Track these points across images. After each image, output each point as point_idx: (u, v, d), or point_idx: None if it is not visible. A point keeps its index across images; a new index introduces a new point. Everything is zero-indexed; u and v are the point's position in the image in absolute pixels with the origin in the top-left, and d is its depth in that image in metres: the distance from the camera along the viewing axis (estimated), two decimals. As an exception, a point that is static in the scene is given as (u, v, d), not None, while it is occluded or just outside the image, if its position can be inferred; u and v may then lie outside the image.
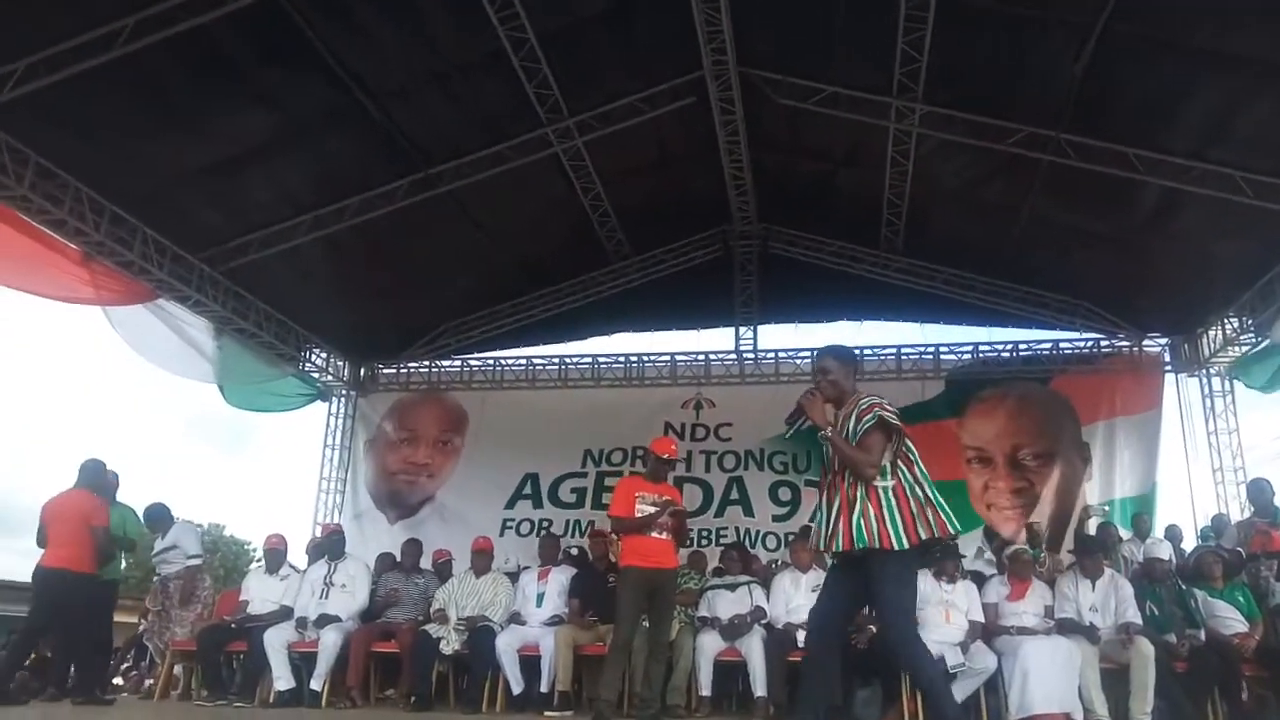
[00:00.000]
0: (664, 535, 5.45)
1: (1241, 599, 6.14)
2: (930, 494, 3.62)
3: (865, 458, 3.61)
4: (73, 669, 6.70)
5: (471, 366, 12.06)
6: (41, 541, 6.47)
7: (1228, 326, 9.78)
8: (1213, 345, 10.08)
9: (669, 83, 8.52)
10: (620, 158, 9.37)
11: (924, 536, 3.54)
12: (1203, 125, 7.25)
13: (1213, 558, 6.39)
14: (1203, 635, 5.96)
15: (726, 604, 6.39)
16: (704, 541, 9.79)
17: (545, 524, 10.56)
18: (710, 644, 6.11)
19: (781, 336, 11.68)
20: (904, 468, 3.66)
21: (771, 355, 11.51)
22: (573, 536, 10.26)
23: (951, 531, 3.69)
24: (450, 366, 12.12)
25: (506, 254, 10.72)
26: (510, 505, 11.10)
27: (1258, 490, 7.42)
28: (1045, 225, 9.32)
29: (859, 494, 3.60)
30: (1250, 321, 9.34)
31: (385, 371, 12.25)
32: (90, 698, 6.38)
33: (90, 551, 6.47)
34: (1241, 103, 6.90)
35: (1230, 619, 6.05)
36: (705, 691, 6.05)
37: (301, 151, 8.27)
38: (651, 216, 10.57)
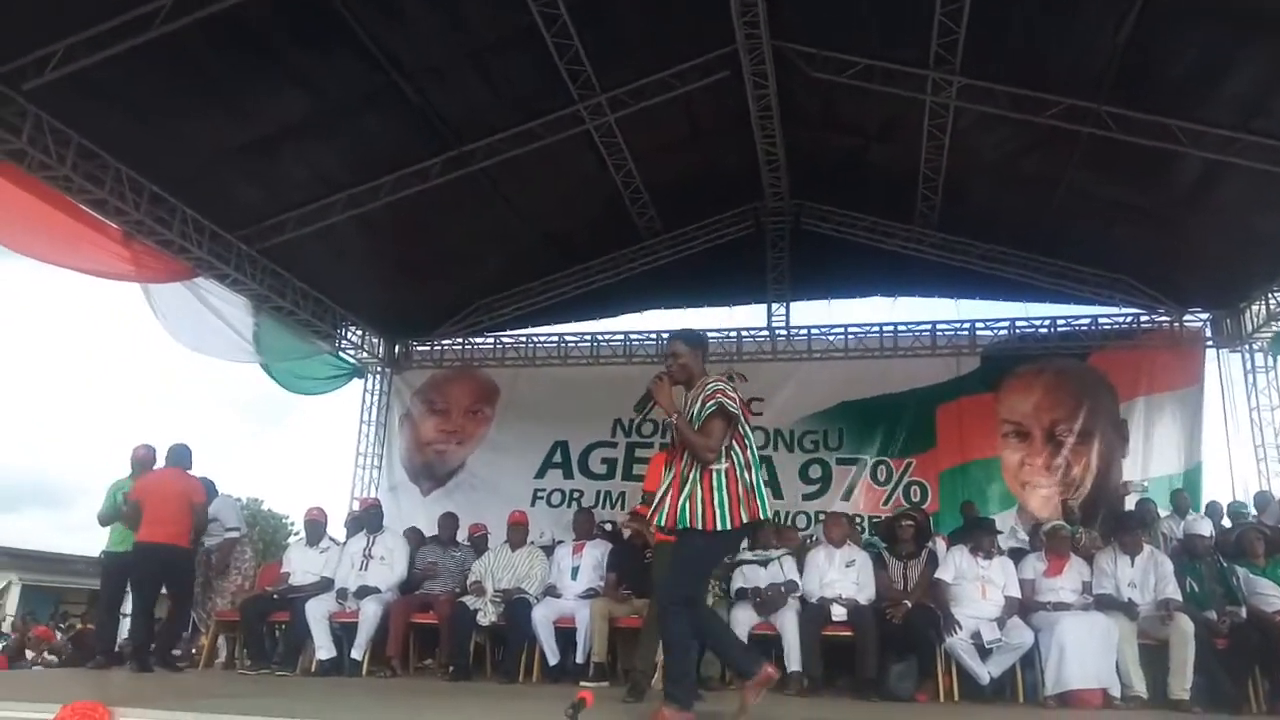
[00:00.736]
0: None
1: (1285, 576, 6.06)
2: (755, 480, 3.81)
3: (704, 442, 3.76)
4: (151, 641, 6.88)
5: (504, 344, 12.15)
6: (132, 520, 6.64)
7: (1271, 301, 9.60)
8: (1256, 320, 9.90)
9: (702, 57, 8.46)
10: (652, 134, 9.34)
11: (746, 519, 3.74)
12: (1248, 95, 7.08)
13: (1255, 534, 6.31)
14: (1244, 612, 5.90)
15: (760, 578, 6.41)
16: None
17: (576, 495, 10.67)
18: (744, 617, 6.14)
19: (814, 313, 11.62)
20: (737, 450, 3.82)
21: (804, 331, 11.47)
22: (603, 508, 10.37)
23: (762, 516, 3.88)
24: (483, 344, 12.21)
25: (538, 231, 10.75)
26: (540, 474, 11.22)
27: (1301, 467, 7.31)
28: (1084, 199, 9.17)
29: (694, 475, 3.77)
30: (1294, 295, 9.16)
31: (419, 349, 12.36)
32: (169, 666, 6.66)
33: (188, 528, 6.72)
34: (1287, 69, 6.72)
35: (1272, 596, 5.96)
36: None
37: (337, 131, 8.33)
38: (683, 193, 10.53)
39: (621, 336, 11.88)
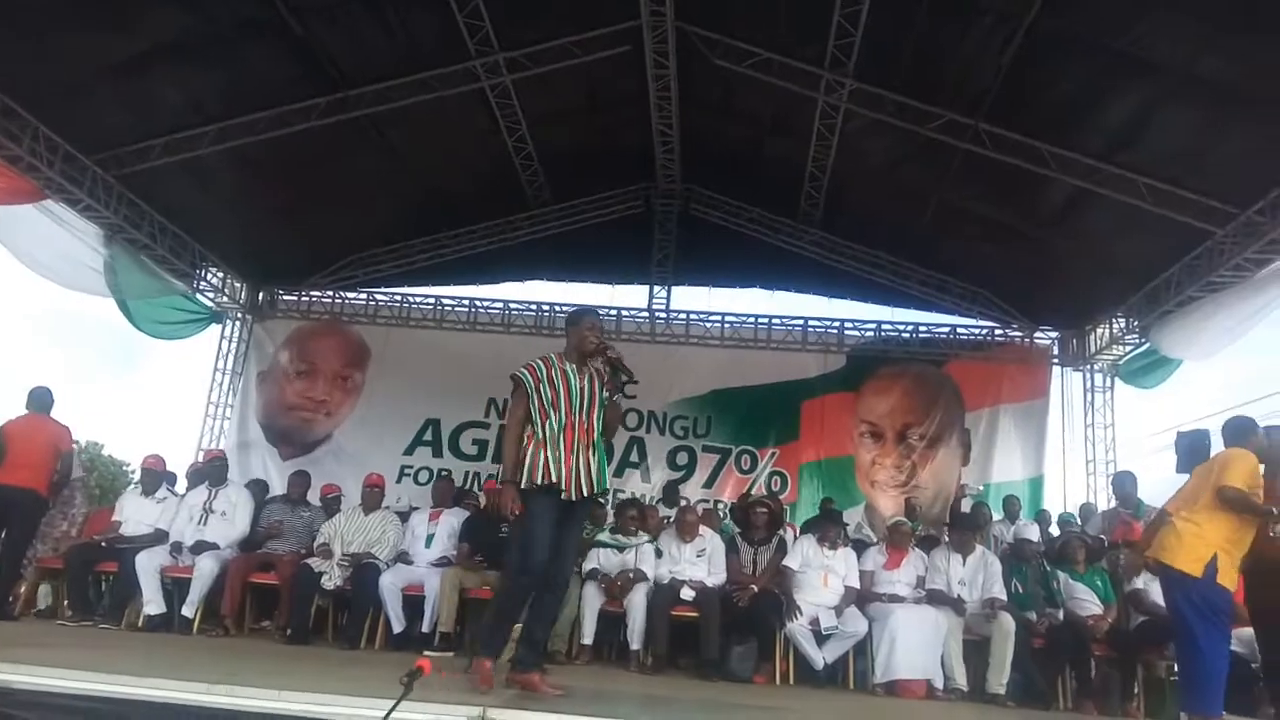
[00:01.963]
0: None
1: (1100, 583, 6.50)
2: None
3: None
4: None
5: (378, 301, 11.76)
6: None
7: (1115, 325, 10.30)
8: (1099, 342, 10.62)
9: (605, 29, 8.35)
10: (549, 100, 9.20)
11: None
12: (1115, 128, 7.54)
13: (1078, 542, 6.74)
14: (1061, 614, 6.31)
15: (611, 563, 6.41)
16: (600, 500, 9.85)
17: (444, 474, 10.44)
18: (595, 595, 6.15)
19: (695, 299, 11.73)
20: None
21: (683, 316, 11.57)
22: (472, 489, 10.19)
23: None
24: (355, 299, 11.79)
25: (423, 188, 10.42)
26: (409, 451, 10.92)
27: (1120, 484, 7.87)
28: (956, 213, 9.59)
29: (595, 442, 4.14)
30: (1135, 323, 9.84)
31: (285, 298, 11.82)
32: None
33: (48, 474, 6.51)
34: (1154, 110, 7.19)
35: (1087, 601, 6.40)
36: (587, 640, 6.11)
37: (216, 58, 7.82)
38: (576, 165, 10.43)
39: (501, 305, 11.69)
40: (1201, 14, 6.09)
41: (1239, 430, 4.72)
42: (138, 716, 3.36)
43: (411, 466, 10.82)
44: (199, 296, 10.98)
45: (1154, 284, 9.16)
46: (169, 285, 10.27)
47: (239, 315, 11.61)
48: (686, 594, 6.19)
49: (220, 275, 11.19)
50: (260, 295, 11.72)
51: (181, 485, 7.73)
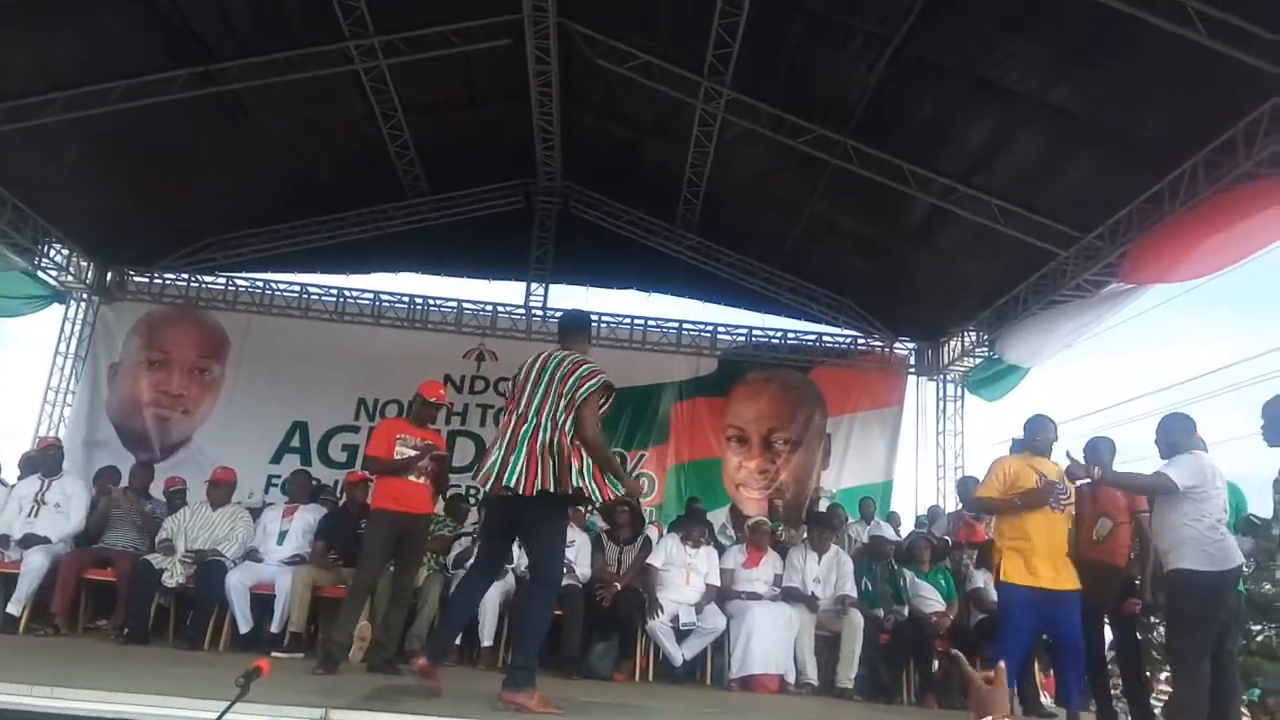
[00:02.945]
0: (423, 480, 5.31)
1: (943, 581, 6.86)
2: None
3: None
4: None
5: (237, 286, 11.20)
6: None
7: (966, 339, 10.88)
8: (951, 354, 11.20)
9: (486, 19, 8.24)
10: (427, 89, 9.01)
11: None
12: (971, 151, 7.94)
13: (924, 543, 7.10)
14: (906, 611, 6.62)
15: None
16: (473, 496, 9.67)
17: (300, 470, 9.98)
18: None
19: (572, 298, 11.71)
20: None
21: (559, 314, 11.49)
22: (343, 497, 9.75)
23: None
24: (213, 283, 11.19)
25: (290, 170, 9.97)
26: (276, 459, 10.35)
27: (965, 487, 8.32)
28: (825, 225, 9.93)
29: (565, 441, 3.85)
30: (985, 337, 10.43)
31: (136, 279, 11.12)
32: None
33: None
34: (1007, 135, 7.61)
35: (931, 599, 6.74)
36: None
37: (67, 21, 7.28)
38: (454, 156, 10.23)
39: (371, 295, 11.35)
40: (1052, 44, 6.49)
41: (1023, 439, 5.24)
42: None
43: (280, 475, 10.06)
44: (40, 275, 10.19)
45: (1003, 300, 9.72)
46: (8, 262, 9.51)
47: (84, 296, 10.85)
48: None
49: (65, 253, 10.44)
50: (109, 276, 10.98)
51: (11, 475, 7.16)
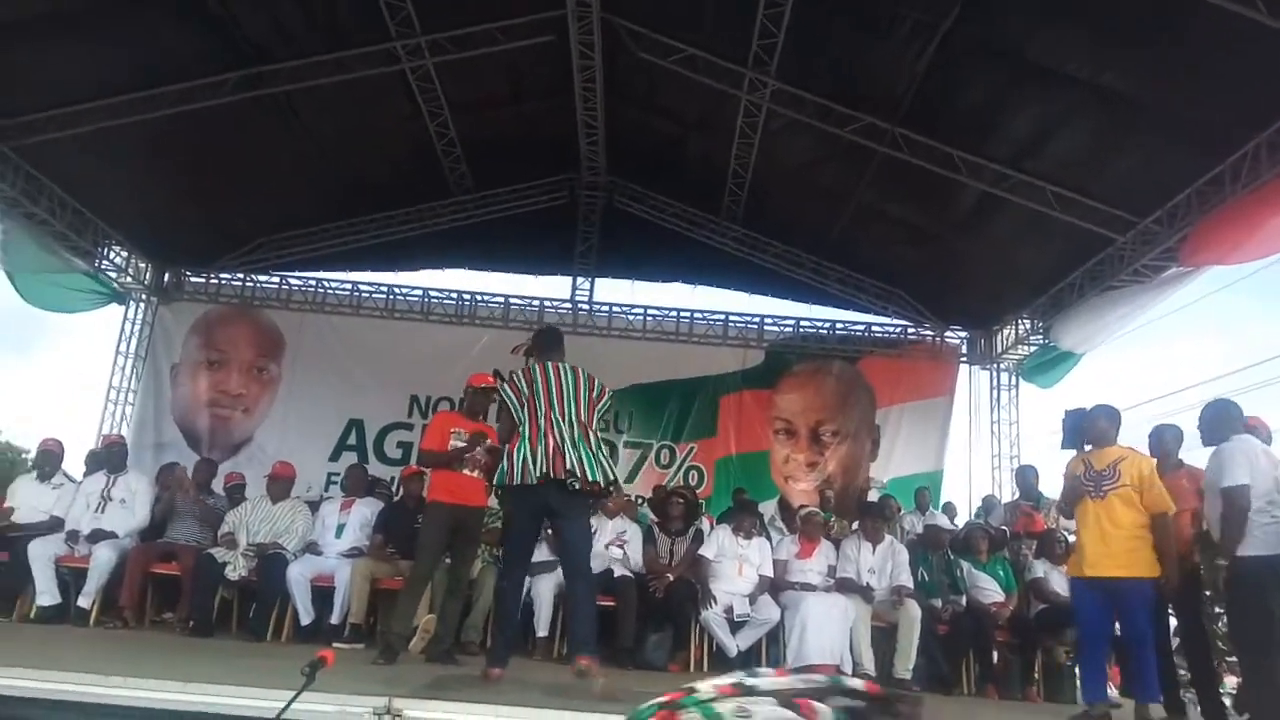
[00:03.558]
0: (475, 473, 5.36)
1: (1001, 572, 6.78)
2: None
3: None
4: None
5: (291, 285, 11.40)
6: None
7: (1020, 327, 10.69)
8: (1005, 343, 11.01)
9: (529, 16, 8.28)
10: (472, 86, 9.07)
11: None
12: (1023, 136, 7.79)
13: (981, 533, 7.02)
14: (964, 602, 6.55)
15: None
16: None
17: (357, 464, 10.10)
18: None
19: (617, 292, 11.75)
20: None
21: (605, 308, 11.56)
22: (399, 491, 9.88)
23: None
24: (267, 283, 11.40)
25: (339, 170, 10.11)
26: (334, 457, 10.50)
27: (1023, 476, 8.20)
28: (872, 214, 9.81)
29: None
30: (1040, 324, 10.24)
31: (193, 280, 11.37)
32: None
33: None
34: (1061, 120, 7.46)
35: (989, 589, 6.67)
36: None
37: (121, 26, 7.44)
38: (499, 153, 10.29)
39: (420, 292, 11.48)
40: (1104, 26, 6.35)
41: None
42: (32, 711, 3.22)
43: (338, 474, 10.07)
44: (101, 276, 10.47)
45: (1057, 288, 9.53)
46: (69, 264, 9.79)
47: (143, 297, 11.13)
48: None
49: (124, 255, 10.71)
50: (166, 277, 11.25)
51: (78, 472, 7.39)
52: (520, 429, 4.32)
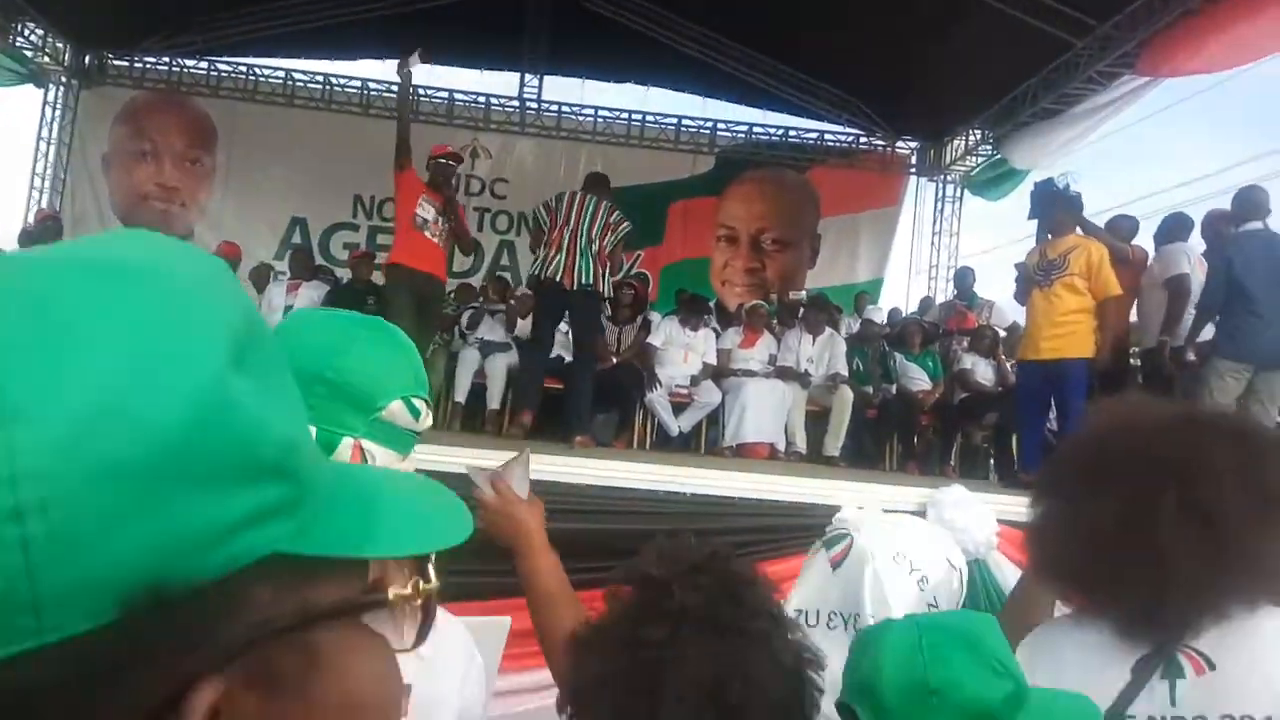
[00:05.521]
0: (439, 241, 5.31)
1: (931, 363, 7.14)
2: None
3: None
4: None
5: (220, 71, 10.76)
6: None
7: (970, 137, 10.70)
8: (954, 153, 11.05)
9: None
10: None
11: None
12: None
13: (915, 326, 7.33)
14: (894, 390, 6.91)
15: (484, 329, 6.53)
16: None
17: (300, 245, 9.95)
18: (470, 358, 6.30)
19: (567, 91, 11.35)
20: None
21: (555, 109, 11.21)
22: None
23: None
24: (195, 68, 10.72)
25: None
26: (280, 256, 10.17)
27: (961, 278, 8.49)
28: (835, 12, 9.47)
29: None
30: (990, 134, 10.25)
31: (116, 63, 10.66)
32: None
33: None
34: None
35: (919, 379, 7.04)
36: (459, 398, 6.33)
37: None
38: (443, -68, 9.59)
39: (359, 83, 10.94)
40: None
41: None
42: None
43: (283, 271, 10.12)
44: (16, 54, 9.74)
45: (1010, 96, 9.47)
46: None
47: (63, 79, 10.45)
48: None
49: (39, 33, 9.94)
50: (87, 59, 10.53)
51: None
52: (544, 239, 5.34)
